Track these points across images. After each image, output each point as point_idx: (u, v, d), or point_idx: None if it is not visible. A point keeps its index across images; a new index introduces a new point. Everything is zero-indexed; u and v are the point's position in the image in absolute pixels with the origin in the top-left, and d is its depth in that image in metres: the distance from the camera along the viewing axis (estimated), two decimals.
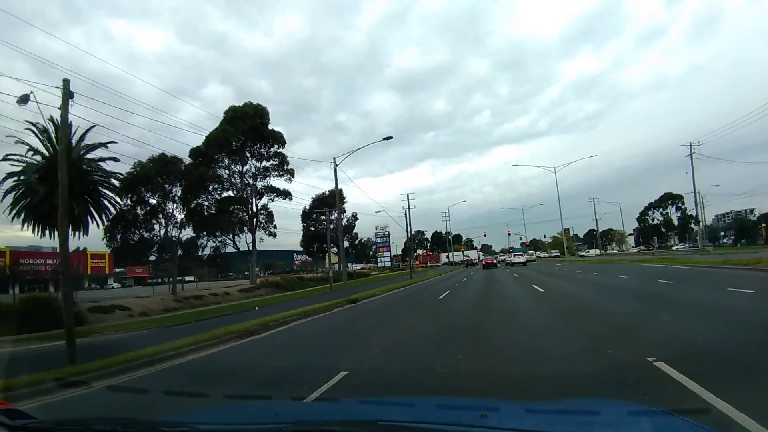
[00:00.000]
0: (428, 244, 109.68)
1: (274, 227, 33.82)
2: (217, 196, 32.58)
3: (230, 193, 33.79)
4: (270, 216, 33.81)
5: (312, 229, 48.05)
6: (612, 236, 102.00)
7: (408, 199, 62.18)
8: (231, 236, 32.02)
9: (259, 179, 35.83)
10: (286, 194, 35.89)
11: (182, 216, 29.09)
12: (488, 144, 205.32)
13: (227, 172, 34.21)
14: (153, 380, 6.37)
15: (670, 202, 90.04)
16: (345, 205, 50.58)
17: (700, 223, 45.19)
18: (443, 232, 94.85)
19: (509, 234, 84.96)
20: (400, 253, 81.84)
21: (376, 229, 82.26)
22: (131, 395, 5.21)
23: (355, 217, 51.78)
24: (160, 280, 79.90)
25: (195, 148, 31.52)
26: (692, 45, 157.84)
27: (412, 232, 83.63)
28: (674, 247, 74.40)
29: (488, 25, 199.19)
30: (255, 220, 33.01)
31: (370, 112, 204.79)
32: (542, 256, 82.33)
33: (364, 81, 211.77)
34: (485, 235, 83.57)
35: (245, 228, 32.29)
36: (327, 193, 47.76)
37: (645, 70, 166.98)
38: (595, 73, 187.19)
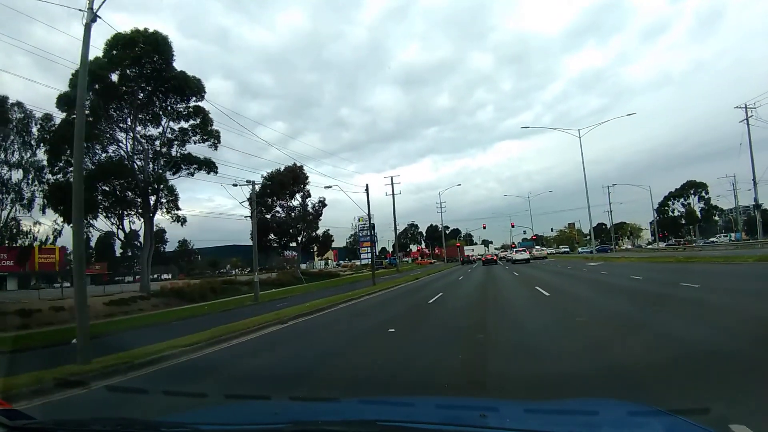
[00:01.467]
0: (422, 239, 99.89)
1: (178, 209, 24.01)
2: (101, 161, 22.99)
3: (137, 162, 24.12)
4: (171, 191, 23.94)
5: (267, 216, 38.07)
6: (626, 230, 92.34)
7: (392, 183, 52.56)
8: (116, 220, 22.33)
9: (176, 145, 26.21)
10: (209, 166, 26.15)
11: (33, 189, 19.63)
12: (491, 139, 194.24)
13: (125, 134, 24.58)
14: None
15: (692, 191, 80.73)
16: (308, 188, 40.98)
17: (758, 211, 35.52)
18: (438, 226, 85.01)
19: (512, 226, 74.85)
20: (396, 249, 71.80)
21: (359, 220, 72.38)
22: None
23: (322, 203, 41.85)
24: (123, 278, 70.26)
25: (63, 94, 21.78)
26: (695, 41, 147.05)
27: (402, 226, 74.41)
28: (699, 242, 64.92)
29: (491, 20, 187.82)
30: (155, 197, 23.22)
31: (372, 108, 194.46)
32: (552, 252, 72.69)
33: (366, 76, 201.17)
34: (485, 228, 74.51)
35: (138, 209, 22.54)
36: (282, 169, 38.02)
37: (649, 66, 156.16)
38: (599, 69, 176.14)
